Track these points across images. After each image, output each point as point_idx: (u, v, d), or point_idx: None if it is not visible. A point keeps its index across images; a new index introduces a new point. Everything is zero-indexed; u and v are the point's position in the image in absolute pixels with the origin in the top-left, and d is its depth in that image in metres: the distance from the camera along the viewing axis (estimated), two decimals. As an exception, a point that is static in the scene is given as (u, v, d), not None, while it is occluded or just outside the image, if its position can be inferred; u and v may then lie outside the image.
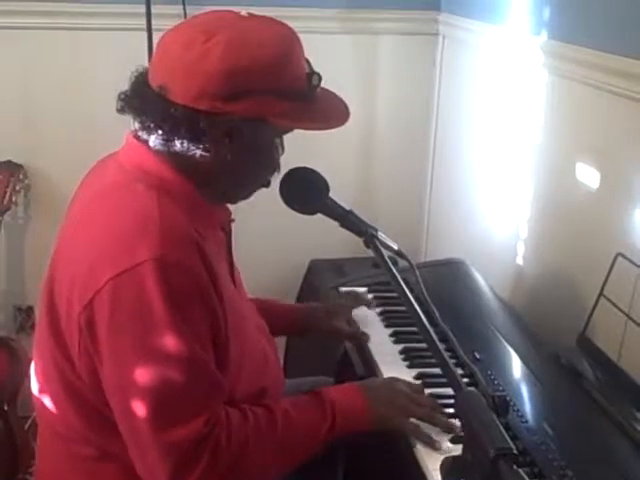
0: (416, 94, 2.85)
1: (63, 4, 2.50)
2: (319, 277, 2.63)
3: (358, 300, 1.93)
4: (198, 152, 1.27)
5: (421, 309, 1.25)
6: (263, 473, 1.34)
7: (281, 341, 2.39)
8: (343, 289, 2.06)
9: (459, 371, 1.21)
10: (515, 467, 0.85)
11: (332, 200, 1.50)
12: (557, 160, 2.06)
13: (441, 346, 1.16)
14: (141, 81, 1.32)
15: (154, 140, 1.28)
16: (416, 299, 1.29)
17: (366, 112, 2.85)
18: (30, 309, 2.72)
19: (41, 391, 1.41)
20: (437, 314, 1.41)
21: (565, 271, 2.03)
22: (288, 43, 1.31)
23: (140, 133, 1.31)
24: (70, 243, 1.33)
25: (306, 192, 1.49)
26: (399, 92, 2.85)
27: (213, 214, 1.39)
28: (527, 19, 2.17)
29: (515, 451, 0.87)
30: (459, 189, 2.72)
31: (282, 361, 2.38)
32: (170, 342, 1.19)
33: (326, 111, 1.36)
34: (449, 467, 0.93)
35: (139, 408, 1.20)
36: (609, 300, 1.69)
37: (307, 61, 1.36)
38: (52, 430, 1.41)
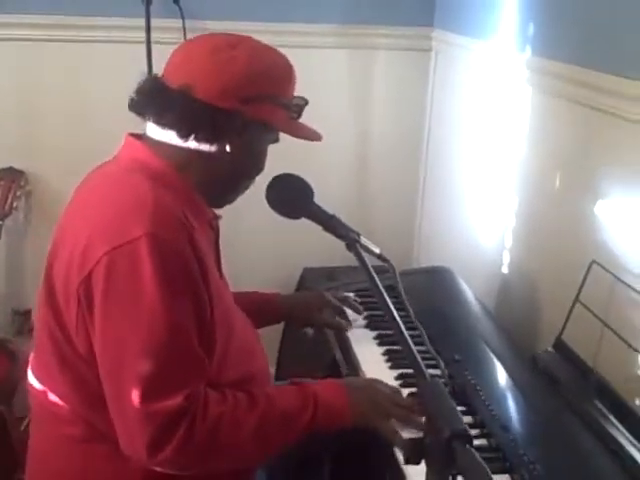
0: (409, 107, 2.93)
1: (66, 17, 2.58)
2: (312, 285, 2.68)
3: (346, 302, 1.98)
4: (213, 148, 1.38)
5: (396, 307, 1.30)
6: (239, 453, 1.40)
7: (274, 343, 2.46)
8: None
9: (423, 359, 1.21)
10: (468, 446, 0.91)
11: (317, 205, 1.56)
12: (539, 171, 2.13)
13: (407, 333, 1.19)
14: (158, 84, 1.41)
15: (172, 135, 1.38)
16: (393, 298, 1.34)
17: (360, 124, 2.92)
18: (28, 312, 2.76)
19: (36, 368, 1.48)
20: (412, 312, 1.47)
21: (546, 278, 2.09)
22: (290, 63, 1.45)
23: (159, 131, 1.40)
24: (68, 227, 1.42)
25: (292, 196, 1.56)
26: (393, 105, 2.92)
27: (204, 210, 1.47)
28: (513, 36, 2.23)
29: (469, 432, 0.93)
30: (449, 199, 2.78)
31: (275, 363, 2.47)
32: (158, 315, 1.27)
33: (307, 126, 1.49)
34: (410, 449, 0.98)
35: (126, 377, 1.28)
36: (584, 306, 1.74)
37: None
38: (43, 412, 1.47)
